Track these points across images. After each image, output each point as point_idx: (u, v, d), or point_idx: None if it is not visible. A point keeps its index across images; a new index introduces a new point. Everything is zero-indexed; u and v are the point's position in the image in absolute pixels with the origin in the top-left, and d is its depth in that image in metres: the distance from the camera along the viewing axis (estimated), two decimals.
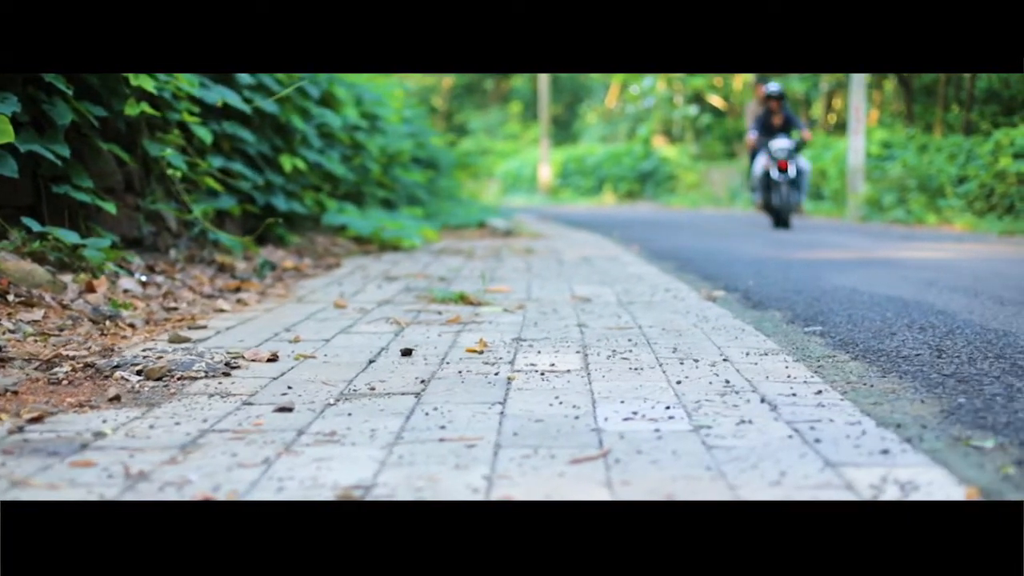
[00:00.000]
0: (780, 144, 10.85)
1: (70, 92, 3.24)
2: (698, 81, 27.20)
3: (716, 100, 28.17)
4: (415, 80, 34.28)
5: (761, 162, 10.89)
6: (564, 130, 35.39)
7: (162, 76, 3.82)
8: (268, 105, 4.87)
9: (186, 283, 3.54)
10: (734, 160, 25.07)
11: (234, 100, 4.44)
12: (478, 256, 5.69)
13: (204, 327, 2.81)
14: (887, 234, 9.78)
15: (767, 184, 10.65)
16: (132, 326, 2.74)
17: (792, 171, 10.54)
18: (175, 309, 3.07)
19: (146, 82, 3.53)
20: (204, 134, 4.14)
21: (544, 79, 29.43)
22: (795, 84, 23.14)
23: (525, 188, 30.18)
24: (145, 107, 3.63)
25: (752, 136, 11.58)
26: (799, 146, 11.09)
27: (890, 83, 18.72)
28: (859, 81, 15.17)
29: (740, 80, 26.78)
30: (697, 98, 27.98)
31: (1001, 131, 11.82)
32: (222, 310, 3.17)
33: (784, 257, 6.17)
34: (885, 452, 1.55)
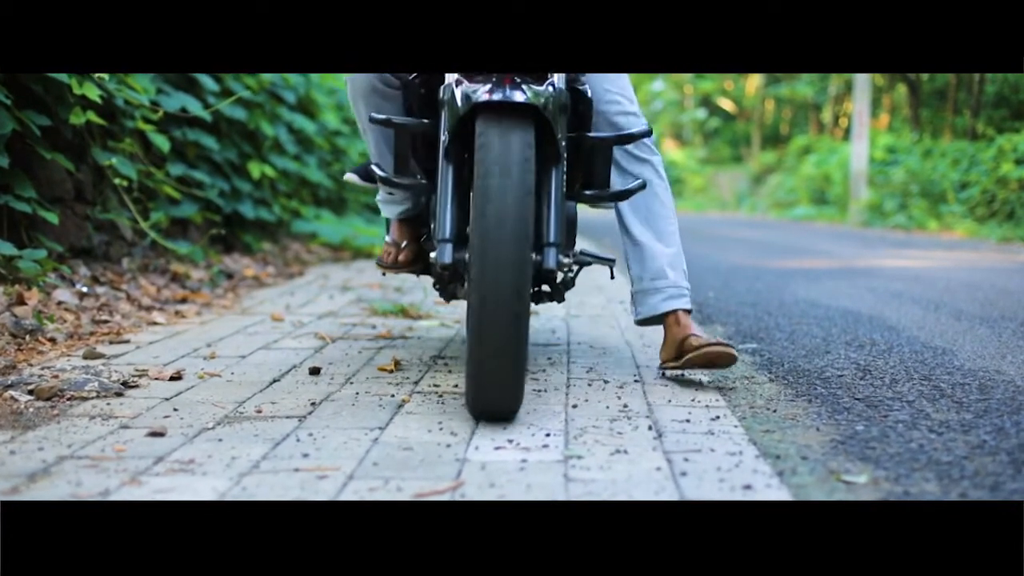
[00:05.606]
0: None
1: (9, 101, 3.22)
2: (707, 84, 27.12)
3: (726, 103, 28.06)
4: None
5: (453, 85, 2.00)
6: None
7: (112, 84, 3.79)
8: (234, 111, 4.84)
9: (130, 294, 3.51)
10: (741, 164, 24.96)
11: (195, 107, 4.41)
12: None
13: (127, 341, 2.77)
14: (882, 240, 9.69)
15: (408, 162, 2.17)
16: (52, 340, 2.71)
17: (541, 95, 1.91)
18: (106, 322, 3.04)
19: (90, 90, 3.50)
20: (161, 142, 4.11)
21: None
22: (803, 87, 23.03)
23: None
24: (92, 116, 3.60)
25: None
26: None
27: (902, 87, 18.59)
28: (862, 86, 15.07)
29: (752, 86, 26.67)
30: (706, 101, 27.87)
31: (1004, 137, 11.71)
32: (155, 323, 3.14)
33: (760, 265, 6.11)
34: (748, 487, 1.50)
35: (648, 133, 2.22)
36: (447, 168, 1.99)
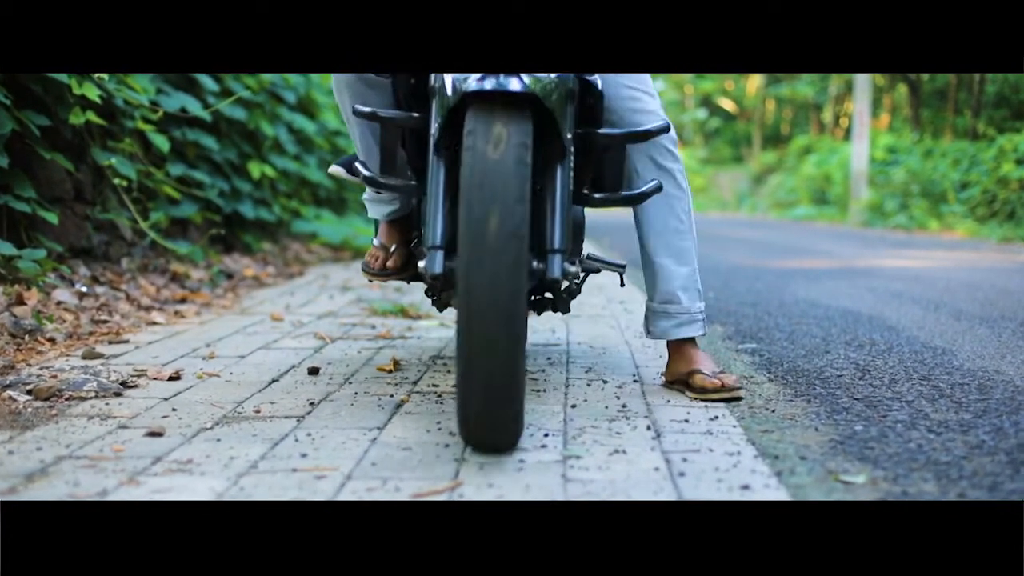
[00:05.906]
0: None
1: (9, 102, 3.22)
2: (708, 84, 27.11)
3: (727, 103, 28.05)
4: None
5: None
6: None
7: (112, 84, 3.79)
8: (234, 111, 4.84)
9: (129, 294, 3.51)
10: (741, 164, 24.95)
11: (195, 107, 4.41)
12: None
13: (126, 342, 2.77)
14: (882, 240, 9.69)
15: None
16: (52, 340, 2.71)
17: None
18: (105, 322, 3.04)
19: (90, 91, 3.50)
20: (161, 142, 4.11)
21: None
22: (804, 87, 23.03)
23: None
24: (91, 116, 3.60)
25: None
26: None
27: (902, 87, 18.58)
28: (863, 86, 15.07)
29: (753, 86, 26.67)
30: (706, 101, 27.86)
31: (1005, 137, 11.71)
32: (155, 323, 3.13)
33: (760, 265, 6.10)
34: (745, 488, 1.50)
35: (666, 129, 1.95)
36: (438, 166, 1.76)
